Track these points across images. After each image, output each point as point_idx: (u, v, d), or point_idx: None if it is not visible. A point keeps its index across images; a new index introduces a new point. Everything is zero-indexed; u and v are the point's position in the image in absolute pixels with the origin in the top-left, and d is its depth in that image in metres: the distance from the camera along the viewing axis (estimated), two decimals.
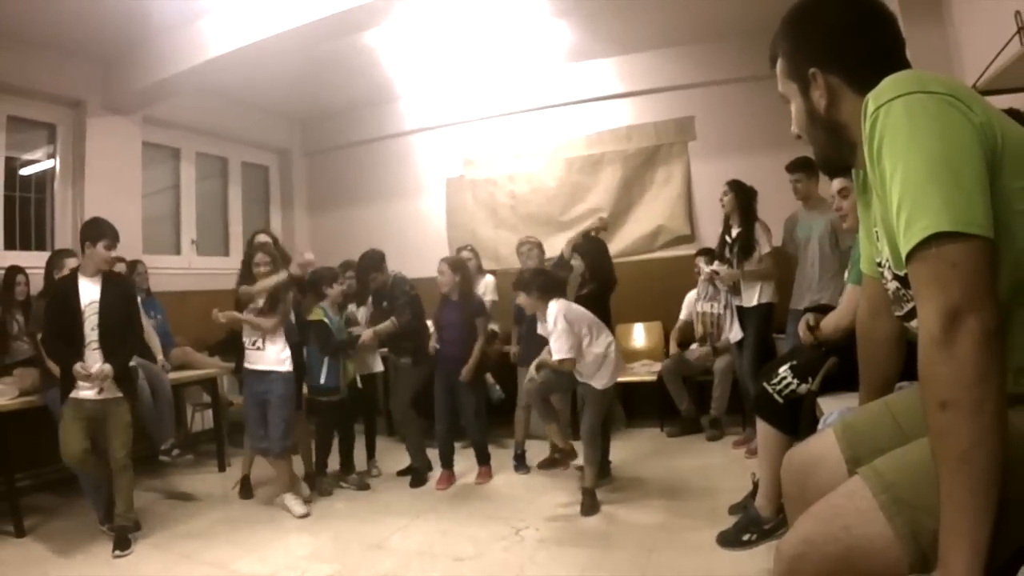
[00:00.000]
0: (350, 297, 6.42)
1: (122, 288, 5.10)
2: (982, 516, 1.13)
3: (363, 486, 5.99)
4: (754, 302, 6.22)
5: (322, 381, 5.86)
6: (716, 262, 6.60)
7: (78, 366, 4.63)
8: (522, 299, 5.37)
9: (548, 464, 5.50)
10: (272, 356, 5.49)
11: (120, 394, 4.86)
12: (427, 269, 6.88)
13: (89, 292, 4.81)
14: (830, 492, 1.47)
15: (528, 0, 6.56)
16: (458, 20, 6.92)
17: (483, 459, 6.18)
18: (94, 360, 4.72)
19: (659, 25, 7.53)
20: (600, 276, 5.86)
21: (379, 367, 6.75)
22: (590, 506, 5.07)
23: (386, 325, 6.25)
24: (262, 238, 6.16)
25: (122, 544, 4.69)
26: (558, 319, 5.09)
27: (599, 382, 5.20)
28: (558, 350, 5.03)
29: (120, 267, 6.13)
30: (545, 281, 5.37)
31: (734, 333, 6.49)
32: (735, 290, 6.44)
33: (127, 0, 6.02)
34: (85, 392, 4.71)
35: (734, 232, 6.34)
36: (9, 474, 4.83)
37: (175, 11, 6.27)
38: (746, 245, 6.20)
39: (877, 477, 1.38)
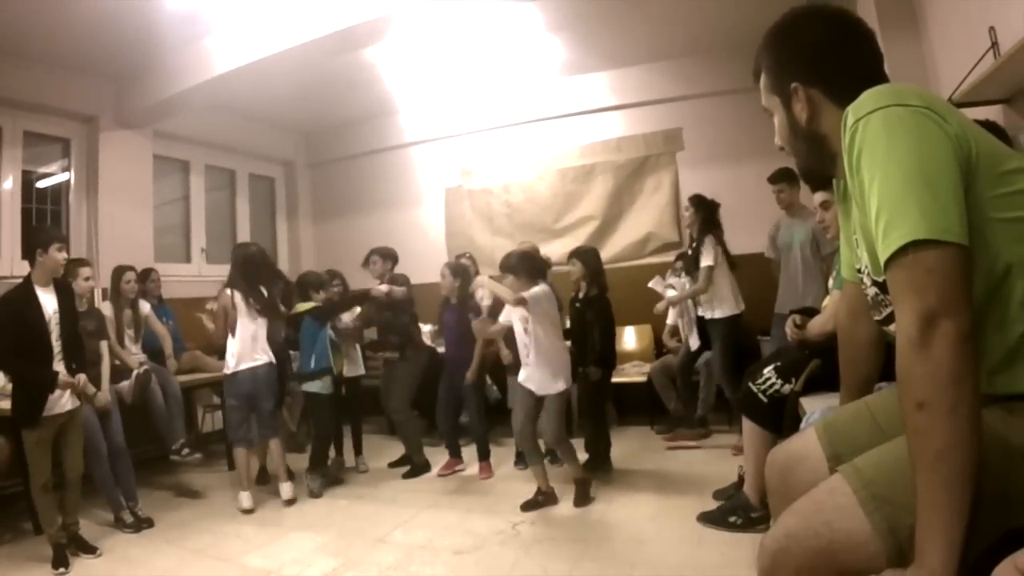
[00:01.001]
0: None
1: (70, 295, 4.82)
2: (957, 513, 1.14)
3: (317, 494, 5.85)
4: (715, 314, 6.20)
5: (312, 366, 5.90)
6: (674, 274, 6.67)
7: (63, 380, 4.45)
8: (510, 281, 5.20)
9: (531, 506, 5.17)
10: None
11: (79, 402, 4.72)
12: (427, 275, 6.92)
13: (48, 303, 4.52)
14: (812, 488, 1.47)
15: (523, 16, 6.57)
16: (456, 36, 6.94)
17: (483, 455, 6.19)
18: (60, 371, 4.50)
19: (648, 41, 7.55)
20: (600, 280, 5.86)
21: (361, 370, 6.78)
22: (582, 496, 5.08)
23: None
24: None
25: (61, 562, 4.45)
26: (543, 290, 5.08)
27: (556, 387, 5.08)
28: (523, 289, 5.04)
29: (130, 275, 6.17)
30: (532, 265, 5.27)
31: (693, 340, 6.51)
32: (695, 301, 6.47)
33: (137, 20, 6.02)
34: (58, 409, 4.50)
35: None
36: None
37: (182, 30, 6.27)
38: (696, 259, 6.21)
39: (857, 474, 1.38)
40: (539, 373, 5.11)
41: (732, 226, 6.76)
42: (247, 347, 5.56)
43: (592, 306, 5.79)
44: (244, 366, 5.54)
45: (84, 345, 4.99)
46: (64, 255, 4.64)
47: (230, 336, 5.59)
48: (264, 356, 5.62)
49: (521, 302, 4.94)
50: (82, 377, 4.58)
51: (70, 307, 4.72)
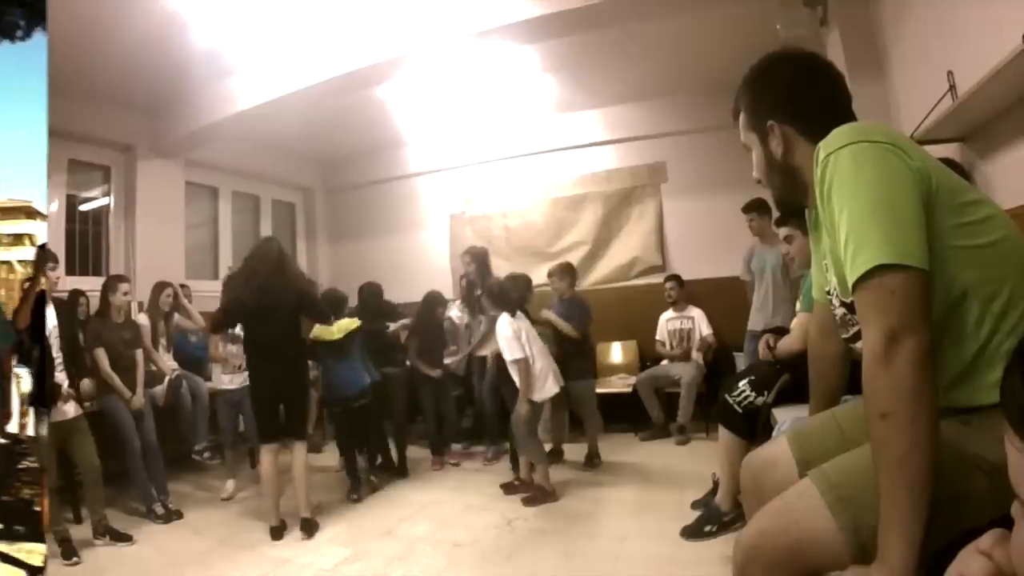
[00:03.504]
0: None
1: (69, 313, 4.84)
2: (916, 513, 1.14)
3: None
4: None
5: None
6: None
7: (66, 391, 4.45)
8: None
9: (525, 498, 5.21)
10: None
11: (81, 410, 4.68)
12: None
13: (48, 317, 4.44)
14: (783, 491, 1.48)
15: (521, 58, 6.57)
16: (458, 76, 6.95)
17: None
18: (62, 381, 4.47)
19: (636, 81, 7.57)
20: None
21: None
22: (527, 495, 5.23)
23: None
24: None
25: (70, 554, 4.34)
26: (505, 327, 5.17)
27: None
28: (510, 351, 5.12)
29: (170, 291, 6.17)
30: (500, 290, 5.45)
31: None
32: None
33: (170, 59, 6.07)
34: (60, 416, 4.43)
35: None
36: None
37: (210, 70, 6.32)
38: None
39: (824, 479, 1.39)
40: None
41: (710, 251, 6.76)
42: None
43: None
44: None
45: (83, 357, 5.00)
46: (56, 274, 4.71)
47: None
48: None
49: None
50: (81, 383, 4.64)
51: (70, 323, 4.72)
